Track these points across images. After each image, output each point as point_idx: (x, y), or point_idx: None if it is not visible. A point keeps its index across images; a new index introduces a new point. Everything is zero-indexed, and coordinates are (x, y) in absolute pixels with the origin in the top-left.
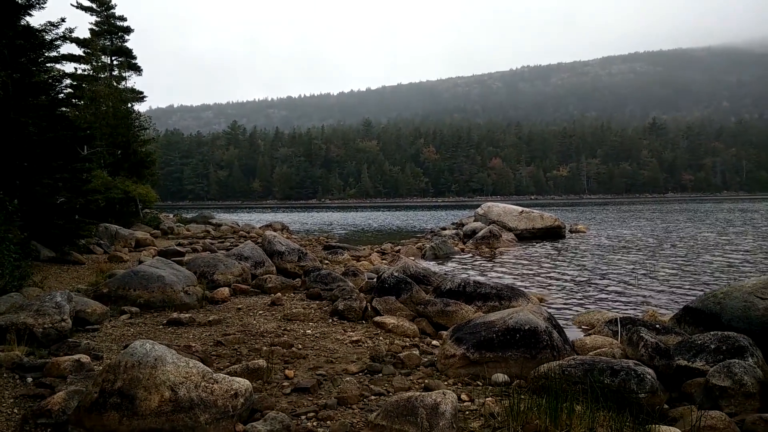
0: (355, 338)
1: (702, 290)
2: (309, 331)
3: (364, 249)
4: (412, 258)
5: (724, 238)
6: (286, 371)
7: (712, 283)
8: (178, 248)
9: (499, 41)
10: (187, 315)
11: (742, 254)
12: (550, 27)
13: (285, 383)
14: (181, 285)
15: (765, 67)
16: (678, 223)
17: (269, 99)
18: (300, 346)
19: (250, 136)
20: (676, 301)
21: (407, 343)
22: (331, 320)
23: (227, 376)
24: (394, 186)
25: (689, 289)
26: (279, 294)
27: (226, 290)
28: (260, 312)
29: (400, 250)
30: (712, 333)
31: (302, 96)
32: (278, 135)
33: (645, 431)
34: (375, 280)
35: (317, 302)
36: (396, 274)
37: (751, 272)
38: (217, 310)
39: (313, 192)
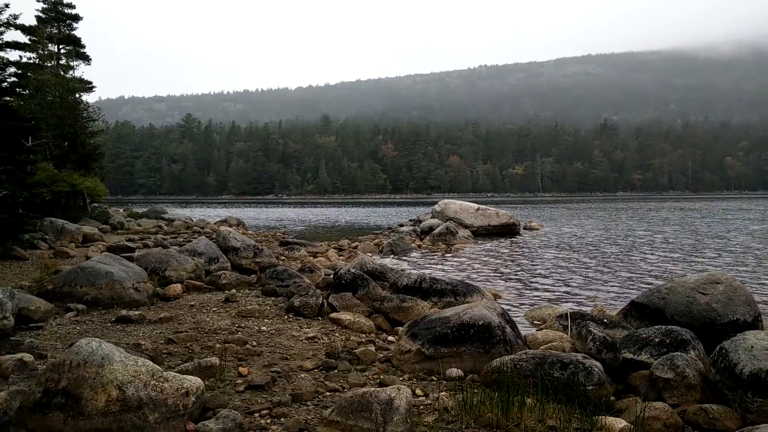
0: (310, 335)
1: (647, 286)
2: (264, 328)
3: (321, 245)
4: (370, 254)
5: (667, 235)
6: (240, 368)
7: (659, 278)
8: (129, 244)
9: (457, 40)
10: (137, 312)
11: (682, 252)
12: (507, 27)
13: (238, 381)
14: (131, 281)
15: (710, 71)
16: (626, 221)
17: (225, 92)
18: (254, 343)
19: (205, 129)
20: (623, 296)
21: (363, 339)
22: (286, 317)
23: (178, 374)
24: (353, 182)
25: (635, 284)
26: (234, 290)
27: (178, 287)
28: (214, 309)
29: (357, 246)
30: (656, 327)
31: (260, 90)
32: (234, 129)
33: (592, 422)
34: (332, 276)
35: (273, 299)
36: (353, 270)
37: (688, 268)
38: (168, 307)
39: (270, 187)
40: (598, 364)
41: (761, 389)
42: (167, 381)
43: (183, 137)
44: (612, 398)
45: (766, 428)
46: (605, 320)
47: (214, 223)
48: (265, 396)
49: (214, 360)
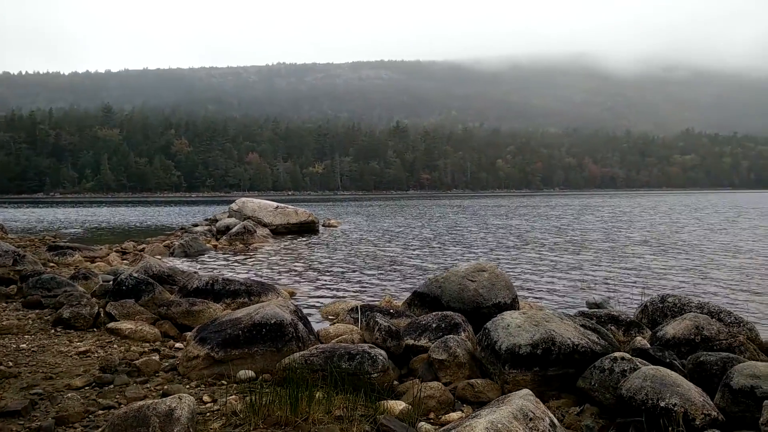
0: (82, 349)
1: (428, 276)
2: (24, 345)
3: (101, 249)
4: (159, 257)
5: (446, 229)
6: None
7: (438, 268)
8: None
9: (254, 35)
10: None
11: (460, 244)
12: (305, 27)
13: None
14: None
15: (483, 83)
16: (414, 218)
17: None
18: (10, 364)
19: None
20: (410, 287)
21: (146, 349)
22: (53, 331)
23: None
24: (141, 179)
25: (420, 275)
26: None
27: None
28: None
29: (144, 248)
30: (434, 313)
31: (24, 73)
32: None
33: (376, 407)
34: (111, 282)
35: (36, 311)
36: (135, 274)
37: (460, 258)
38: None
39: (39, 185)
40: (382, 352)
41: (515, 362)
42: None
43: None
44: (395, 383)
45: (516, 395)
46: (391, 310)
47: None
48: (21, 423)
49: None
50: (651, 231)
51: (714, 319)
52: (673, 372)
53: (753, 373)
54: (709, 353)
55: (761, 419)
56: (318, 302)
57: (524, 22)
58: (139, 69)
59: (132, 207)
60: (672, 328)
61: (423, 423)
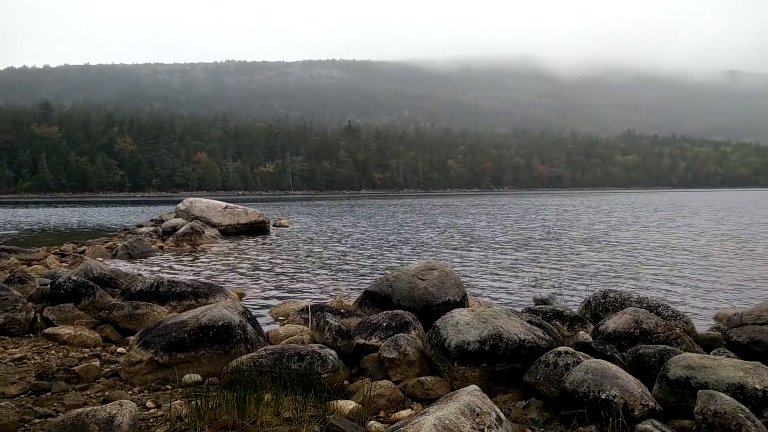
0: (18, 355)
1: (381, 274)
2: None
3: (38, 251)
4: (100, 259)
5: (397, 228)
6: None
7: (389, 267)
8: None
9: (202, 31)
10: None
11: (411, 243)
12: (254, 25)
13: None
14: None
15: (435, 83)
16: (366, 217)
17: None
18: None
19: None
20: (361, 286)
21: (86, 354)
22: None
23: None
24: (83, 179)
25: (372, 274)
26: None
27: None
28: None
29: (85, 251)
30: (385, 312)
31: None
32: None
33: (325, 408)
34: (49, 286)
35: None
36: (75, 277)
37: (413, 255)
38: None
39: None
40: (333, 352)
41: (464, 359)
42: None
43: None
44: (346, 382)
45: (464, 391)
46: (342, 310)
47: None
48: None
49: None
50: (594, 229)
51: (652, 313)
52: (613, 365)
53: (688, 364)
54: (648, 346)
55: (695, 408)
56: (268, 303)
57: (473, 24)
58: (79, 64)
59: (72, 207)
60: (613, 323)
61: (373, 422)
